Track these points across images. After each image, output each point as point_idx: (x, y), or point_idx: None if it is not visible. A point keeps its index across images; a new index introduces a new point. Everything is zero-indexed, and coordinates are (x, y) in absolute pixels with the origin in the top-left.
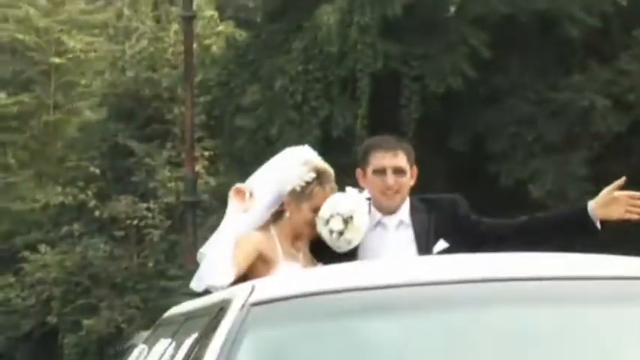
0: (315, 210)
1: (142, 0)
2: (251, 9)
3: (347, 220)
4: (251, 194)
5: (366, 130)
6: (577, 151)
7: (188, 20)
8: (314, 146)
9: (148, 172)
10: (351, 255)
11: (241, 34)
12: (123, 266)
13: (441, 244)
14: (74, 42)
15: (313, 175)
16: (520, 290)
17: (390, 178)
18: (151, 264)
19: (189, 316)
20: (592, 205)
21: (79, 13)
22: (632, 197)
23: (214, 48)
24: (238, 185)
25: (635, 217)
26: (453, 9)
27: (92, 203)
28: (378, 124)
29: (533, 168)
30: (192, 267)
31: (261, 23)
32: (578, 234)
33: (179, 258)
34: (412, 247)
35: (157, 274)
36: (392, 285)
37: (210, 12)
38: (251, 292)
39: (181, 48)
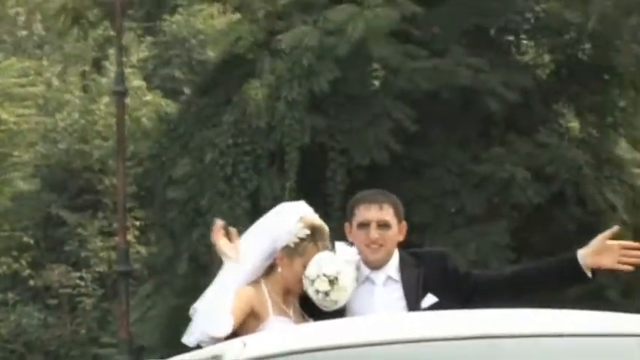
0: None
1: (70, 71)
2: (177, 79)
3: (332, 282)
4: (228, 231)
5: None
6: (498, 221)
7: (120, 95)
8: (243, 217)
9: (81, 241)
10: (340, 310)
11: (168, 104)
12: (56, 334)
13: (430, 299)
14: (7, 114)
15: (307, 232)
16: (518, 347)
17: (374, 232)
18: (83, 331)
19: None
20: (582, 254)
21: (11, 85)
22: (624, 247)
23: (144, 120)
24: (217, 225)
25: (626, 267)
26: (377, 83)
27: (26, 272)
28: (306, 195)
29: (456, 238)
30: (124, 334)
31: (191, 97)
32: (568, 284)
33: (112, 325)
34: (401, 302)
35: (89, 342)
36: (384, 342)
37: (138, 82)
38: (242, 349)
39: (112, 120)
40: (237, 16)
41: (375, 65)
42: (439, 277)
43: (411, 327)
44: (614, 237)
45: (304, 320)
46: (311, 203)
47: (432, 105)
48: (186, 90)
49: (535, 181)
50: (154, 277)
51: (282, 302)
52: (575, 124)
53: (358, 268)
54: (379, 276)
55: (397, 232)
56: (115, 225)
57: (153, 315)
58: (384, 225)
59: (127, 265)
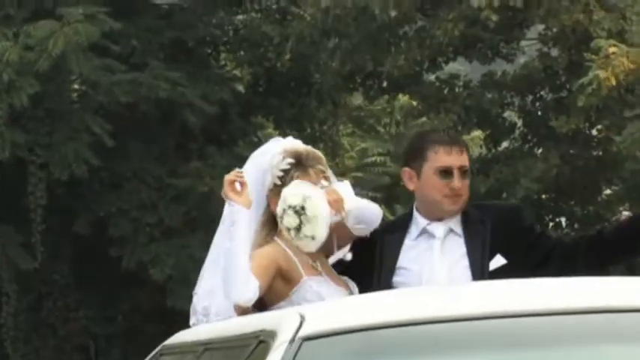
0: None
1: None
2: None
3: (299, 212)
4: (242, 178)
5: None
6: (197, 234)
7: None
8: None
9: None
10: (389, 267)
11: None
12: None
13: (498, 260)
14: None
15: (291, 160)
16: (617, 325)
17: (458, 180)
18: None
19: (210, 347)
20: None
21: None
22: None
23: None
24: (229, 175)
25: None
26: (76, 97)
27: None
28: (6, 210)
29: (154, 251)
30: None
31: None
32: None
33: None
34: (464, 261)
35: None
36: (465, 317)
37: None
38: (301, 324)
39: None
40: None
41: (75, 80)
42: (509, 235)
43: (498, 299)
44: None
45: (337, 278)
46: (12, 218)
47: (131, 118)
48: None
49: None
50: None
51: (309, 258)
52: (274, 136)
53: (411, 218)
54: (439, 228)
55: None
56: None
57: None
58: (465, 172)
59: None
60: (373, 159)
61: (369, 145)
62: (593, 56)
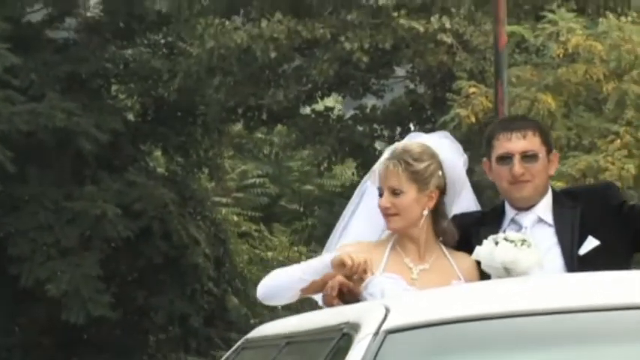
0: (380, 193)
1: None
2: None
3: (518, 245)
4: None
5: None
6: (90, 254)
7: None
8: None
9: None
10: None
11: None
12: None
13: (591, 242)
14: None
15: (385, 155)
16: None
17: (518, 166)
18: None
19: (293, 340)
20: None
21: None
22: None
23: None
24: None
25: None
26: None
27: None
28: None
29: (51, 269)
30: None
31: None
32: None
33: None
34: (555, 250)
35: None
36: (560, 310)
37: None
38: (385, 316)
39: None
40: None
41: None
42: (600, 215)
43: (600, 290)
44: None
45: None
46: None
47: (30, 146)
48: None
49: (125, 216)
50: None
51: (408, 258)
52: (161, 163)
53: (503, 209)
54: (527, 217)
55: (546, 163)
56: None
57: None
58: (530, 157)
59: None
60: (253, 180)
61: (249, 167)
62: (455, 96)
